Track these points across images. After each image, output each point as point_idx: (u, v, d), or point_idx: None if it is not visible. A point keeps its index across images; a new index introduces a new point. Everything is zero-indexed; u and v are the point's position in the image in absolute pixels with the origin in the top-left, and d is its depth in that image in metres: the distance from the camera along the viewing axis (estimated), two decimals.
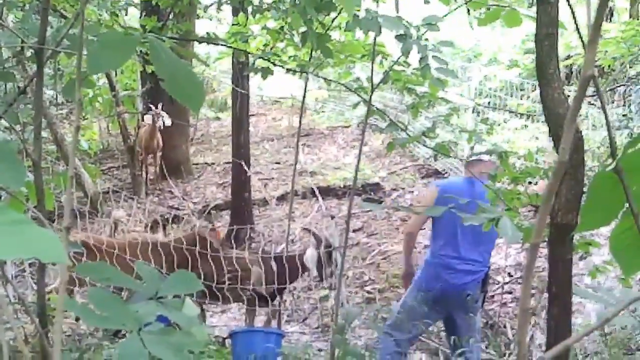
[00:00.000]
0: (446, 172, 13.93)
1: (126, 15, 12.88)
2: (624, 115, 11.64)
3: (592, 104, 12.43)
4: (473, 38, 21.84)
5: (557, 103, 3.53)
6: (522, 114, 14.54)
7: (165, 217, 13.21)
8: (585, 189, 3.66)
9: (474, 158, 6.61)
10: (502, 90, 15.56)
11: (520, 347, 1.48)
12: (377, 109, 6.26)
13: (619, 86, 12.42)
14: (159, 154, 14.96)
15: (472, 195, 5.58)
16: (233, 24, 8.48)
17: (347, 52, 7.87)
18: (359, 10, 5.07)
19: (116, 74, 14.60)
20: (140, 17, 13.21)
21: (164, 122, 14.21)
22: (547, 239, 3.68)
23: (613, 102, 13.28)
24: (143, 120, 14.64)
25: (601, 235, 7.93)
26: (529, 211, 10.05)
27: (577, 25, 3.27)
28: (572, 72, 16.85)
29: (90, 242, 8.22)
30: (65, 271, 2.17)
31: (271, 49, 7.75)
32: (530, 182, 5.43)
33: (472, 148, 5.40)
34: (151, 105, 14.38)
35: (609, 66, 12.15)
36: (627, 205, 2.32)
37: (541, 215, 1.50)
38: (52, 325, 3.41)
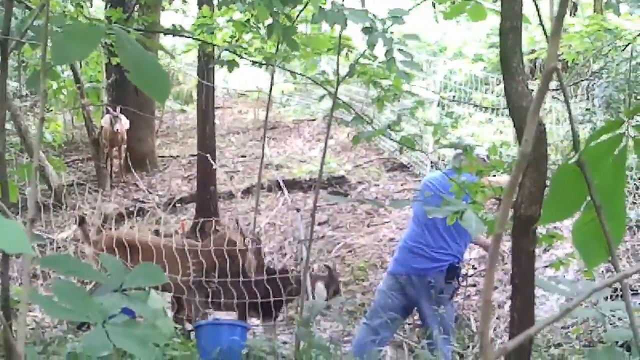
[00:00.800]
0: (411, 166, 13.97)
1: (91, 6, 12.76)
2: (587, 110, 11.73)
3: (556, 98, 12.51)
4: (438, 32, 21.93)
5: (521, 96, 3.56)
6: (486, 108, 14.62)
7: (130, 209, 13.14)
8: (548, 182, 3.69)
9: (458, 152, 6.72)
10: (467, 84, 15.63)
11: (483, 338, 1.49)
12: (343, 102, 6.28)
13: (582, 80, 12.52)
14: (123, 146, 14.86)
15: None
16: (198, 17, 8.44)
17: (313, 46, 7.87)
18: (324, 4, 5.08)
19: (81, 66, 14.47)
20: (105, 9, 13.13)
21: (122, 125, 14.14)
22: (510, 231, 3.70)
23: (576, 97, 13.38)
24: (102, 120, 14.58)
25: (565, 228, 8.00)
26: (494, 204, 10.12)
27: (540, 19, 3.30)
28: (535, 66, 16.96)
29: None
30: (29, 263, 2.16)
31: (237, 41, 7.73)
32: (494, 175, 5.48)
33: (437, 141, 5.43)
34: (109, 108, 14.31)
35: (573, 60, 12.23)
36: (589, 197, 2.35)
37: (504, 207, 1.52)
38: (16, 319, 3.39)
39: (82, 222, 8.66)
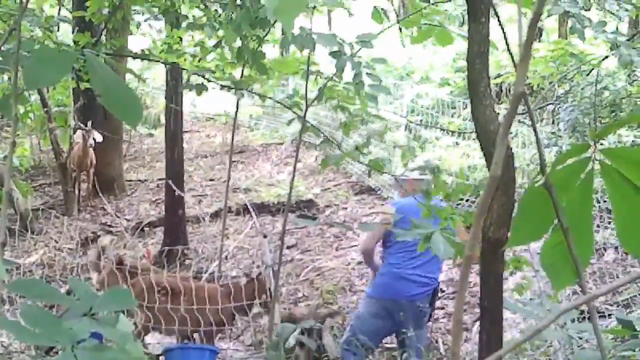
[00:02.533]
0: (379, 190, 14.01)
1: (58, 31, 12.72)
2: (552, 133, 11.83)
3: (522, 122, 12.61)
4: (405, 56, 22.07)
5: (489, 120, 3.59)
6: (453, 132, 14.70)
7: (98, 234, 13.07)
8: (515, 205, 3.72)
9: (403, 177, 6.74)
10: (434, 108, 15.72)
11: (454, 357, 1.51)
12: (312, 125, 6.30)
13: (548, 104, 12.63)
14: (92, 170, 14.77)
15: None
16: (166, 37, 8.45)
17: (280, 69, 7.90)
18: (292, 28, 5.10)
19: (48, 90, 14.40)
20: (72, 33, 13.10)
21: (94, 139, 14.05)
22: (479, 254, 3.73)
23: (542, 120, 13.50)
24: (74, 135, 14.48)
25: (533, 251, 8.04)
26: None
27: (507, 44, 3.34)
28: (502, 90, 17.09)
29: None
30: (1, 285, 2.15)
31: (199, 61, 7.74)
32: (462, 199, 5.53)
33: (405, 165, 5.46)
34: (80, 124, 14.24)
35: (538, 85, 12.35)
36: (556, 220, 2.37)
37: (474, 229, 1.54)
38: None
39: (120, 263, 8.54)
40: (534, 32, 1.51)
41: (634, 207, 2.25)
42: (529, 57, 1.47)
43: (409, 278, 6.84)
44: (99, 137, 14.06)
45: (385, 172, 5.64)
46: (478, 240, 1.39)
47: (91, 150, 14.36)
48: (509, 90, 16.98)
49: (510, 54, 3.20)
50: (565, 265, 2.49)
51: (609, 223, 9.70)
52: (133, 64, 18.35)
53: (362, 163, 5.27)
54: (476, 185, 5.26)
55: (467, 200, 10.53)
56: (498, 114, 3.81)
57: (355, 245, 11.76)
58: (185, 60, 8.27)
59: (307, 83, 5.74)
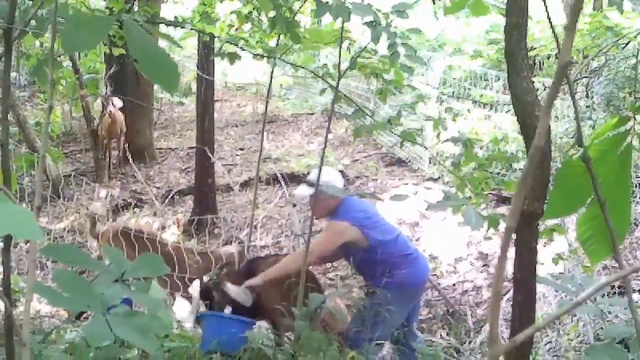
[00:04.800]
0: (409, 161, 13.99)
1: None
2: (587, 107, 11.74)
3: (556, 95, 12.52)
4: (437, 28, 21.94)
5: (526, 92, 3.56)
6: (485, 104, 14.61)
7: (129, 201, 13.15)
8: (550, 178, 3.70)
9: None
10: (466, 80, 15.62)
11: (492, 328, 1.50)
12: (344, 95, 6.28)
13: (582, 78, 12.53)
14: (122, 138, 14.82)
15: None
16: (199, 3, 8.42)
17: (315, 39, 7.86)
18: None
19: (80, 57, 14.45)
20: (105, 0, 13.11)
21: (114, 105, 14.06)
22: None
23: (576, 94, 13.38)
24: (94, 103, 14.55)
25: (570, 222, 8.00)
26: (491, 201, 10.13)
27: (548, 15, 3.30)
28: (535, 63, 16.96)
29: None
30: (35, 249, 2.16)
31: (236, 29, 7.71)
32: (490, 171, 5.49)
33: (437, 136, 5.43)
34: (106, 91, 14.30)
35: (573, 58, 12.24)
36: (593, 193, 2.35)
37: (516, 200, 1.52)
38: (16, 308, 3.39)
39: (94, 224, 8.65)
40: (581, 1, 1.49)
41: None
42: (575, 26, 1.45)
43: (423, 259, 6.84)
44: (119, 103, 14.06)
45: (418, 143, 5.60)
46: (518, 211, 1.38)
47: (121, 118, 14.41)
48: (542, 63, 16.85)
49: (551, 24, 3.16)
50: (601, 239, 2.47)
51: None
52: (166, 32, 18.37)
53: (394, 134, 5.23)
54: (508, 157, 5.22)
55: (499, 173, 10.50)
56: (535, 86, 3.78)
57: None
58: (222, 30, 8.24)
59: (340, 52, 5.70)
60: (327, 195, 6.23)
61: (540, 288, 7.69)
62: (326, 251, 6.56)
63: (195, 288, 6.89)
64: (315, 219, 6.87)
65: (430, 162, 13.35)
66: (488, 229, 4.02)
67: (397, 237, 6.65)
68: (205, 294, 6.73)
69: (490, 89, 14.82)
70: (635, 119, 2.31)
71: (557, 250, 8.25)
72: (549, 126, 3.57)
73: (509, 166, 9.80)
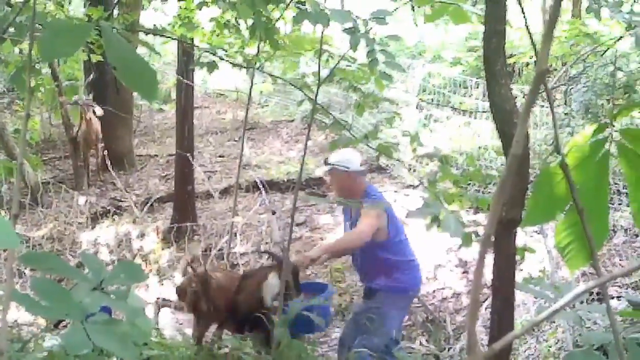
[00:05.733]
0: (389, 168, 14.00)
1: (70, 4, 12.69)
2: (565, 114, 11.80)
3: (535, 103, 12.59)
4: (417, 35, 22.02)
5: (504, 99, 3.56)
6: (464, 111, 14.65)
7: (107, 209, 13.10)
8: (529, 185, 3.71)
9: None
10: (446, 87, 15.67)
11: (470, 336, 1.50)
12: (322, 106, 6.28)
13: (561, 85, 12.59)
14: (99, 145, 14.75)
15: None
16: (180, 8, 8.39)
17: (294, 46, 7.87)
18: (303, 3, 5.07)
19: (59, 64, 14.40)
20: (84, 7, 13.07)
21: (94, 112, 14.00)
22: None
23: (555, 101, 13.44)
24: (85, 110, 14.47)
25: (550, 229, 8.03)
26: (467, 210, 10.14)
27: (526, 23, 3.30)
28: (514, 71, 17.04)
29: None
30: (13, 257, 2.15)
31: (217, 36, 7.70)
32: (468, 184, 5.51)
33: (414, 150, 5.41)
34: (86, 98, 14.23)
35: (552, 65, 12.30)
36: (571, 201, 2.36)
37: (494, 207, 1.52)
38: None
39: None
40: (558, 9, 1.49)
41: None
42: (552, 34, 1.45)
43: (417, 261, 6.84)
44: (99, 111, 14.02)
45: (394, 158, 5.59)
46: (497, 220, 1.39)
47: (97, 126, 14.35)
48: (521, 70, 16.93)
49: (529, 32, 3.17)
50: (580, 246, 2.48)
51: (619, 204, 9.69)
52: (146, 39, 18.35)
53: (371, 147, 5.23)
54: (484, 176, 5.21)
55: (474, 186, 10.52)
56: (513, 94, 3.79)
57: None
58: (204, 35, 8.22)
59: (319, 61, 5.70)
60: (342, 173, 6.29)
61: (519, 295, 7.72)
62: (371, 233, 6.41)
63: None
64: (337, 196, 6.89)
65: (409, 170, 13.38)
66: (461, 246, 4.02)
67: (406, 239, 6.69)
68: (180, 293, 6.70)
69: (470, 96, 14.88)
70: (613, 126, 2.32)
71: (535, 257, 8.30)
72: (527, 133, 3.58)
73: (485, 183, 9.83)
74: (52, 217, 12.62)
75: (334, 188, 6.71)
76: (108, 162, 14.62)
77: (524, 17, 3.23)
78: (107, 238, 11.73)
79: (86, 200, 13.27)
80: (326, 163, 6.72)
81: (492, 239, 3.74)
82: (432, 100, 15.48)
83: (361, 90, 6.50)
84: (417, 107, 14.50)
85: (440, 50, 21.51)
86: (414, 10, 6.44)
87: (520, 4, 3.38)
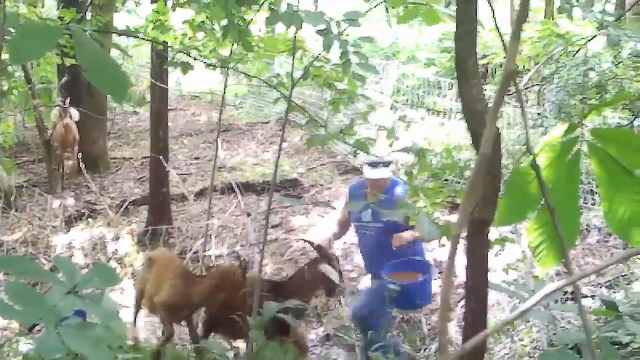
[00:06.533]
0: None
1: (42, 7, 12.63)
2: (538, 114, 11.85)
3: (508, 102, 12.62)
4: (391, 36, 22.06)
5: (475, 99, 3.57)
6: (438, 112, 14.69)
7: (82, 212, 13.03)
8: (501, 185, 3.72)
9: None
10: (420, 88, 15.70)
11: (442, 337, 1.50)
12: (297, 105, 6.27)
13: (534, 85, 12.64)
14: (75, 148, 14.67)
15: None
16: (153, 11, 8.36)
17: (268, 47, 7.85)
18: (275, 4, 5.07)
19: (32, 66, 14.31)
20: (57, 9, 12.99)
21: (71, 117, 13.94)
22: (464, 234, 3.73)
23: (528, 101, 13.51)
24: (51, 113, 14.39)
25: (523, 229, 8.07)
26: (444, 208, 10.16)
27: (496, 23, 3.32)
28: (487, 71, 17.08)
29: None
30: None
31: (189, 39, 7.68)
32: (446, 180, 5.53)
33: (390, 145, 5.42)
34: (61, 101, 14.16)
35: (524, 65, 12.34)
36: (543, 200, 2.37)
37: (463, 208, 1.53)
38: None
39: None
40: (527, 10, 1.50)
41: (620, 187, 2.25)
42: (520, 34, 1.46)
43: None
44: (76, 115, 13.97)
45: (371, 154, 5.61)
46: (466, 219, 1.39)
47: (74, 128, 14.27)
48: (495, 70, 16.98)
49: (499, 32, 3.18)
50: (551, 246, 2.49)
51: (593, 204, 9.74)
52: (119, 41, 18.24)
53: (348, 144, 5.24)
54: (461, 166, 5.24)
55: (453, 180, 10.54)
56: (484, 93, 3.80)
57: None
58: (176, 38, 8.20)
59: (293, 61, 5.70)
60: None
61: (494, 295, 7.76)
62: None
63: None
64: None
65: None
66: (441, 237, 4.04)
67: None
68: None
69: (444, 97, 14.92)
70: (584, 126, 2.33)
71: (509, 256, 8.33)
72: (499, 133, 3.59)
73: (461, 175, 9.86)
74: (26, 220, 12.54)
75: (382, 188, 6.85)
76: (82, 165, 14.54)
77: (494, 17, 3.24)
78: (82, 241, 11.66)
79: (60, 204, 13.20)
80: (386, 164, 6.82)
81: (465, 239, 3.76)
82: (407, 101, 15.51)
83: (336, 87, 6.51)
84: (391, 108, 14.52)
85: (415, 51, 21.54)
86: (387, 11, 6.45)
87: (490, 4, 3.39)
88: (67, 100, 13.99)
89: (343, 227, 7.70)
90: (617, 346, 5.07)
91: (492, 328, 1.53)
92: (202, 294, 6.89)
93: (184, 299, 6.90)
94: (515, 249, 8.05)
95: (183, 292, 6.92)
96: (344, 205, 7.51)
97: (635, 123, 9.29)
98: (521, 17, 1.45)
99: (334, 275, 6.69)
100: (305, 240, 7.29)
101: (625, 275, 8.23)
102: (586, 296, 7.93)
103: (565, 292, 7.41)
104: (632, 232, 2.29)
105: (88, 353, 2.48)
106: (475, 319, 3.77)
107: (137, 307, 7.78)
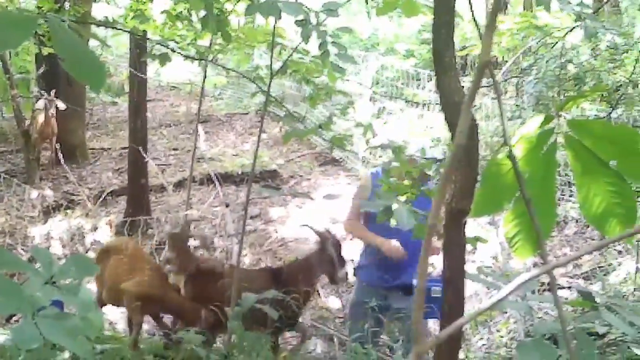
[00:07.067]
0: (343, 161, 14.04)
1: None
2: (516, 106, 11.90)
3: (486, 94, 12.67)
4: (370, 28, 22.08)
5: (453, 91, 3.58)
6: (417, 104, 14.71)
7: (60, 202, 12.98)
8: (478, 176, 3.73)
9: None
10: (399, 79, 15.73)
11: (417, 328, 1.51)
12: (275, 99, 6.28)
13: (512, 77, 12.68)
14: (54, 138, 14.61)
15: None
16: (132, 0, 8.33)
17: (247, 38, 7.84)
18: None
19: (10, 57, 14.23)
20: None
21: (57, 108, 13.88)
22: (442, 225, 3.74)
23: (506, 93, 13.55)
24: (36, 103, 14.33)
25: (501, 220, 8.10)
26: None
27: (473, 15, 3.33)
28: (467, 63, 17.14)
29: None
30: None
31: (169, 28, 7.65)
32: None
33: (367, 141, 5.42)
34: (43, 92, 14.10)
35: (503, 57, 12.38)
36: (519, 191, 2.38)
37: (438, 198, 1.54)
38: None
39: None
40: (501, 1, 1.51)
41: (596, 178, 2.26)
42: (495, 26, 1.47)
43: None
44: (62, 106, 13.91)
45: (347, 150, 5.62)
46: (441, 210, 1.40)
47: (53, 119, 14.20)
48: (474, 62, 17.03)
49: (476, 24, 3.19)
50: (527, 236, 2.50)
51: (570, 196, 9.80)
52: (98, 32, 18.17)
53: (325, 139, 5.25)
54: (439, 163, 5.25)
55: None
56: (463, 85, 3.81)
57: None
58: (156, 27, 8.15)
59: (272, 54, 5.70)
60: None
61: (472, 286, 7.79)
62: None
63: None
64: None
65: (363, 162, 13.43)
66: (414, 236, 4.05)
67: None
68: None
69: (423, 89, 14.94)
70: (560, 117, 2.35)
71: (487, 248, 8.37)
72: (476, 124, 3.60)
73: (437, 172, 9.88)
74: (4, 211, 12.48)
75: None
76: (60, 156, 14.48)
77: (471, 9, 3.25)
78: (60, 232, 11.62)
79: (38, 194, 13.15)
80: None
81: (441, 229, 3.77)
82: (386, 92, 15.53)
83: (314, 82, 6.51)
84: (370, 100, 14.54)
85: (394, 42, 21.58)
86: (367, 2, 6.45)
87: None
88: (53, 92, 13.92)
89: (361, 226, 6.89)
90: (593, 337, 5.11)
91: (467, 317, 1.55)
92: (178, 288, 6.85)
93: (159, 291, 6.83)
94: (493, 239, 8.09)
95: (158, 284, 6.85)
96: (358, 199, 6.66)
97: (613, 115, 9.34)
98: (496, 8, 1.46)
99: (339, 263, 6.61)
100: (308, 227, 7.14)
101: (602, 266, 8.30)
102: (563, 287, 7.99)
103: (543, 284, 7.45)
104: (607, 223, 2.30)
105: (65, 343, 2.47)
106: (452, 309, 3.78)
107: (101, 303, 7.53)
